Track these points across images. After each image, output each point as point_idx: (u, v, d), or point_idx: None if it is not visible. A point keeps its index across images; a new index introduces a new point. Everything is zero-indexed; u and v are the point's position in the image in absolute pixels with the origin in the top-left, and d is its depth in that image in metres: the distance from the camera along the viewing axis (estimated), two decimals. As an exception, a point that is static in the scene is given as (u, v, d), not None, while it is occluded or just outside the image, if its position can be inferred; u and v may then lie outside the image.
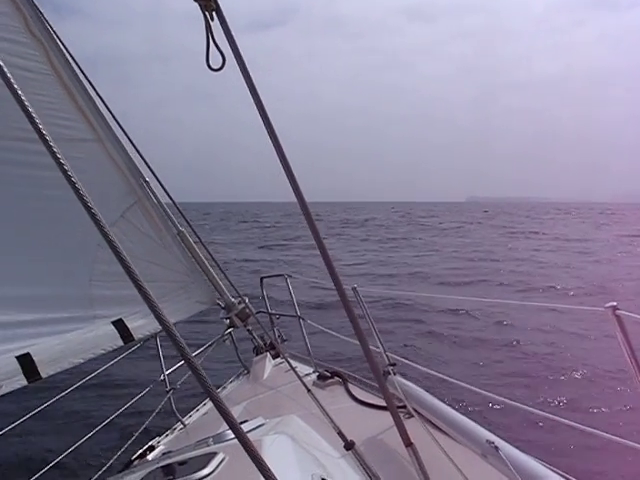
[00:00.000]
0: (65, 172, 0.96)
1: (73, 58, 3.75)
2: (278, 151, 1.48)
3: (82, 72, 3.79)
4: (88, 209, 0.98)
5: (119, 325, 3.84)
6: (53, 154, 0.91)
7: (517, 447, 2.42)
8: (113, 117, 3.95)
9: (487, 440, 2.44)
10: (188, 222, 4.39)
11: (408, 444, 1.52)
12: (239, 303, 4.48)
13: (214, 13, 1.69)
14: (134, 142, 4.05)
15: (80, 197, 0.97)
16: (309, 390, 2.47)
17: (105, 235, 0.99)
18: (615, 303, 1.94)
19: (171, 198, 4.25)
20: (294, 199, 1.68)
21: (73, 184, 0.97)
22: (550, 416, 2.89)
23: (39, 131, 0.93)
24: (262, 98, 1.46)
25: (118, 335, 3.83)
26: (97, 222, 0.98)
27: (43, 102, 3.61)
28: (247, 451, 1.01)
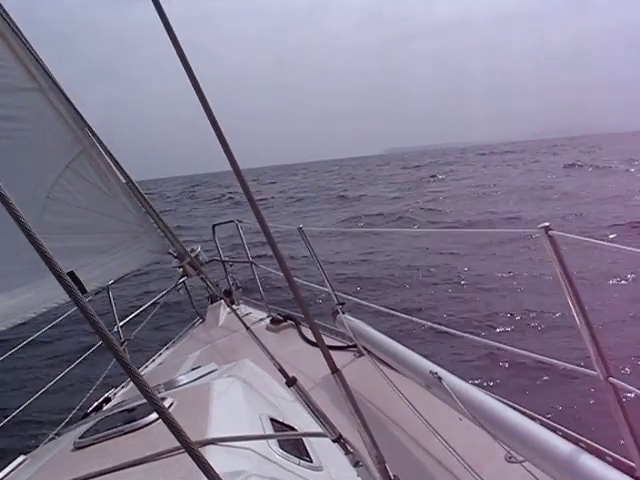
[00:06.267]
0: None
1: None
2: (200, 97, 1.48)
3: (10, 20, 3.60)
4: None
5: (71, 278, 3.79)
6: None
7: (459, 376, 2.58)
8: (43, 68, 3.78)
9: (430, 371, 2.58)
10: (127, 175, 4.25)
11: (334, 370, 1.61)
12: (191, 251, 4.47)
13: None
14: (66, 94, 3.89)
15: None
16: (248, 328, 2.53)
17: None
18: (548, 224, 1.88)
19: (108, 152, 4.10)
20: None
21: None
22: (493, 343, 2.97)
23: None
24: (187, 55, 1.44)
25: None
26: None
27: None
28: (159, 413, 0.97)
